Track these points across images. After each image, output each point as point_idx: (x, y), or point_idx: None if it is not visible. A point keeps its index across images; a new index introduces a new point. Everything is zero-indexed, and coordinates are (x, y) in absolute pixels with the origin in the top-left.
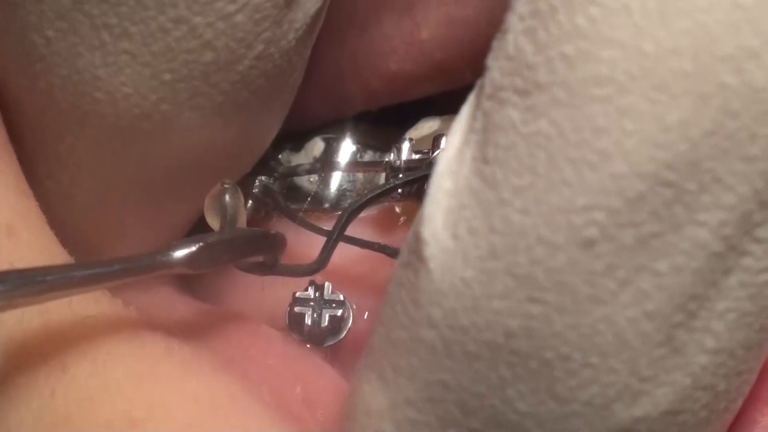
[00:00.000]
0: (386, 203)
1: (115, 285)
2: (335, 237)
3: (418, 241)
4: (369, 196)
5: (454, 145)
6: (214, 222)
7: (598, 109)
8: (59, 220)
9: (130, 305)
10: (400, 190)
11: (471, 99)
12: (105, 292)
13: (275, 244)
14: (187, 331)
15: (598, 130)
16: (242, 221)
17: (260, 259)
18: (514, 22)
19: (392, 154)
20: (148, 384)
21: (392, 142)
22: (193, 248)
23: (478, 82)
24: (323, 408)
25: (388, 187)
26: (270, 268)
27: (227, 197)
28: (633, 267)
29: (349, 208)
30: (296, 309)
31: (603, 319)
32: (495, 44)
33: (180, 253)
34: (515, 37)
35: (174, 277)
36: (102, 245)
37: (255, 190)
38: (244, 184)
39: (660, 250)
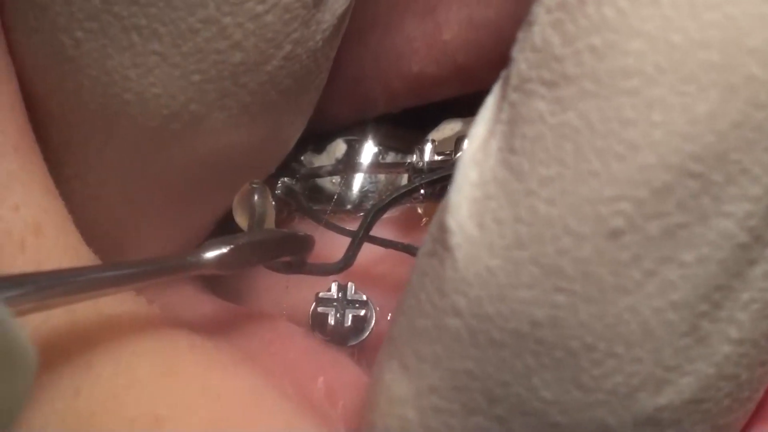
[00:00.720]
0: (408, 204)
1: (145, 286)
2: (361, 236)
3: (443, 231)
4: (394, 195)
5: (480, 136)
6: (242, 221)
7: (626, 101)
8: (85, 219)
9: (153, 303)
10: (422, 191)
11: (496, 90)
12: (129, 291)
13: (304, 245)
14: (209, 328)
15: (626, 121)
16: (270, 221)
17: (287, 259)
18: (540, 13)
19: (414, 156)
20: (171, 381)
21: (414, 143)
22: (224, 250)
23: (503, 74)
24: (345, 401)
25: (412, 186)
26: (297, 267)
27: (256, 197)
28: (659, 257)
29: (374, 207)
30: (319, 309)
31: (628, 309)
32: (521, 36)
33: (210, 255)
34: (542, 29)
35: (197, 276)
36: (127, 245)
37: (277, 192)
38: (267, 185)
39: (686, 240)
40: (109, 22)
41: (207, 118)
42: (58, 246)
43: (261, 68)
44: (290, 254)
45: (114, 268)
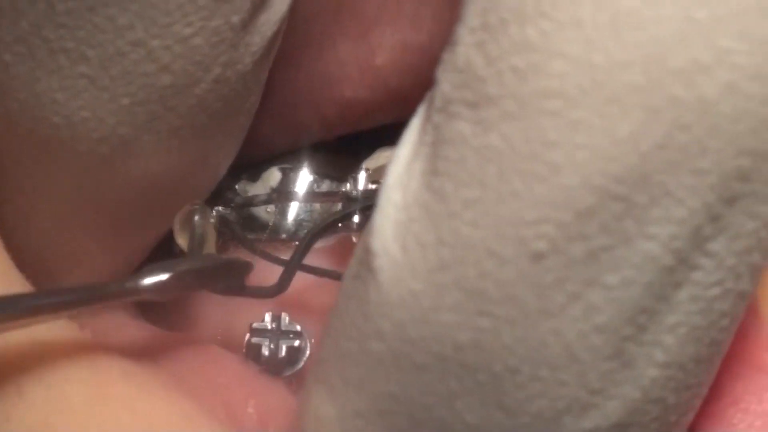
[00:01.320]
0: (343, 233)
1: (82, 313)
2: (296, 260)
3: (367, 253)
4: (329, 220)
5: (404, 158)
6: (183, 242)
7: (549, 123)
8: (17, 244)
9: (85, 329)
10: (357, 220)
11: (421, 112)
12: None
13: (242, 271)
14: (141, 354)
15: (549, 143)
16: (211, 242)
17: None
18: (464, 34)
19: (349, 184)
20: (103, 408)
21: (349, 171)
22: (163, 277)
23: (428, 95)
24: (276, 426)
25: (347, 212)
26: (228, 288)
27: (197, 217)
28: (582, 280)
29: (309, 232)
30: (253, 340)
31: (552, 332)
32: (445, 57)
33: (149, 281)
34: (465, 50)
35: (131, 303)
36: (60, 270)
37: (212, 221)
38: None
39: (610, 263)
40: (37, 45)
41: (136, 142)
42: None
43: (190, 91)
44: (229, 279)
45: (49, 295)
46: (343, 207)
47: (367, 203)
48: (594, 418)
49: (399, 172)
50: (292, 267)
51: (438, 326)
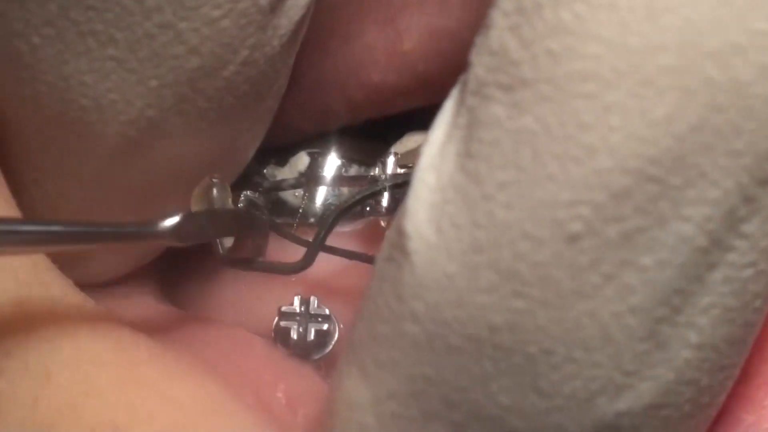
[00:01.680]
0: (372, 218)
1: (99, 248)
2: (321, 237)
3: (401, 236)
4: (357, 197)
5: (437, 141)
6: None
7: (584, 105)
8: None
9: (113, 312)
10: (385, 204)
11: (454, 95)
12: (88, 299)
13: (258, 225)
14: (169, 338)
15: (584, 125)
16: None
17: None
18: (498, 18)
19: (377, 169)
20: (131, 389)
21: (377, 156)
22: (178, 218)
23: (461, 78)
24: (305, 410)
25: (373, 190)
26: (253, 263)
27: (215, 191)
28: (617, 261)
29: (335, 210)
30: (282, 323)
31: (587, 314)
32: (478, 40)
33: (165, 223)
34: (499, 33)
35: (155, 287)
36: (86, 254)
37: (240, 205)
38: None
39: (645, 244)
40: (65, 28)
41: (164, 124)
42: (14, 256)
43: (218, 73)
44: (246, 234)
45: (70, 224)
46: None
47: (395, 182)
48: (627, 399)
49: (432, 154)
50: (317, 244)
51: (473, 308)
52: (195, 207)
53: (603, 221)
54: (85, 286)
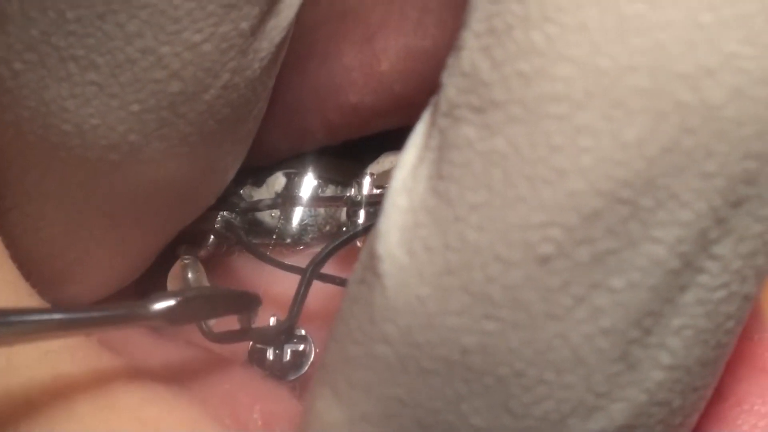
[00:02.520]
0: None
1: (91, 333)
2: (301, 294)
3: (373, 258)
4: (329, 248)
5: (409, 163)
6: None
7: (555, 127)
8: (24, 251)
9: (91, 336)
10: (361, 226)
11: (426, 117)
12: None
13: (251, 303)
14: (145, 361)
15: (555, 147)
16: None
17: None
18: (469, 39)
19: (353, 189)
20: (109, 414)
21: (354, 176)
22: (172, 302)
23: (432, 100)
24: (281, 430)
25: (350, 234)
26: (243, 334)
27: (189, 273)
28: (589, 283)
29: (312, 261)
30: (258, 344)
31: (558, 336)
32: (450, 61)
33: (159, 306)
34: (471, 54)
35: None
36: (67, 277)
37: (217, 225)
38: (206, 219)
39: (616, 266)
40: (46, 53)
41: (146, 148)
42: None
43: (199, 97)
44: (236, 312)
45: (61, 311)
46: (348, 212)
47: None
48: (599, 420)
49: (404, 176)
50: (299, 300)
51: (444, 330)
52: (171, 287)
53: (574, 243)
54: None
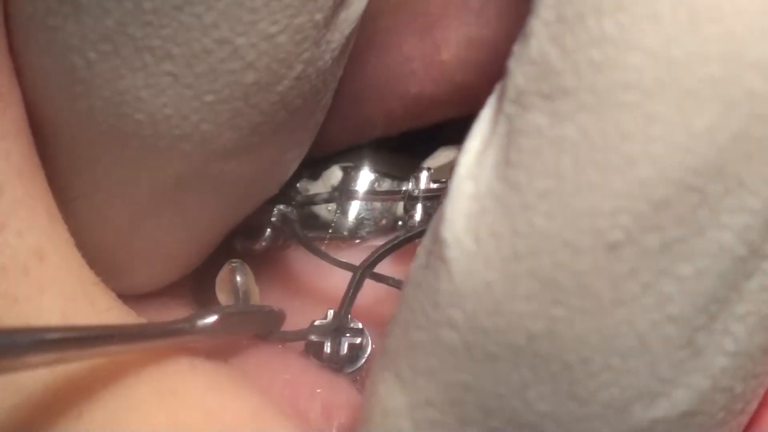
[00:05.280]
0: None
1: (135, 350)
2: (350, 295)
3: (438, 243)
4: (382, 251)
5: (475, 149)
6: (226, 300)
7: (626, 115)
8: (90, 240)
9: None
10: (418, 219)
11: (491, 103)
12: (131, 312)
13: (277, 319)
14: (207, 350)
15: (625, 135)
16: (255, 297)
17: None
18: (538, 27)
19: (410, 183)
20: (172, 402)
21: (410, 170)
22: (213, 318)
23: (498, 87)
24: (341, 420)
25: (404, 237)
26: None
27: (238, 277)
28: (656, 270)
29: (362, 264)
30: (315, 337)
31: (625, 322)
32: (517, 49)
33: (201, 322)
34: (540, 42)
35: (191, 299)
36: (132, 265)
37: (273, 219)
38: (263, 212)
39: (684, 253)
40: (122, 43)
41: (218, 139)
42: (60, 270)
43: (273, 88)
44: (265, 329)
45: (106, 330)
46: (405, 206)
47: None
48: (663, 406)
49: (470, 163)
50: (347, 303)
51: (511, 316)
52: (220, 294)
53: (643, 230)
54: (125, 296)
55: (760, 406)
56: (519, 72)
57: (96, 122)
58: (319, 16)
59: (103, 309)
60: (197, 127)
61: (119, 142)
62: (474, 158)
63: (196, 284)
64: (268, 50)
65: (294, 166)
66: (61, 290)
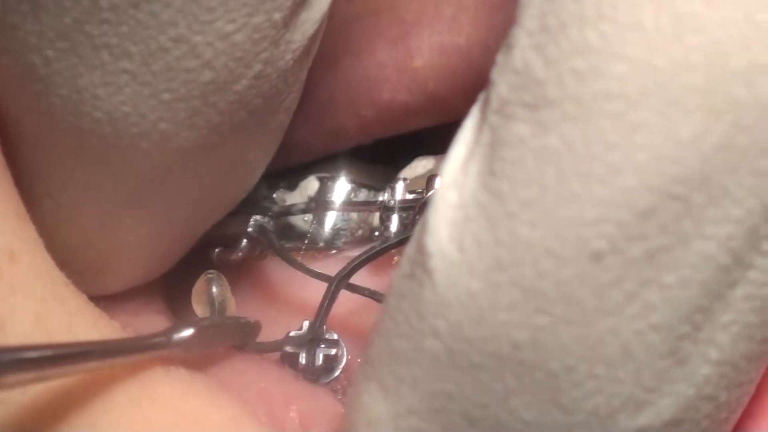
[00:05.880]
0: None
1: (111, 365)
2: (326, 306)
3: (422, 253)
4: (356, 262)
5: (458, 159)
6: (202, 311)
7: (609, 124)
8: (58, 241)
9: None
10: (393, 230)
11: (475, 113)
12: (103, 315)
13: (253, 330)
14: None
15: (609, 144)
16: (232, 307)
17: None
18: (521, 36)
19: (386, 194)
20: (148, 407)
21: (387, 181)
22: (189, 332)
23: (481, 96)
24: (318, 429)
25: (380, 248)
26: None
27: (214, 288)
28: (640, 279)
29: (338, 275)
30: (290, 348)
31: (609, 331)
32: (500, 59)
33: (177, 336)
34: (523, 52)
35: (163, 306)
36: (99, 266)
37: (249, 229)
38: (240, 222)
39: (668, 262)
40: (79, 41)
41: (176, 137)
42: (31, 271)
43: (230, 87)
44: (240, 340)
45: (84, 346)
46: (381, 216)
47: (403, 236)
48: (648, 415)
49: (454, 172)
50: (322, 315)
51: (495, 325)
52: (196, 305)
53: (627, 239)
54: (96, 299)
55: (745, 412)
56: (502, 82)
57: (56, 121)
58: (277, 16)
59: (75, 311)
60: (155, 126)
61: (80, 141)
62: (458, 167)
63: (172, 294)
64: (225, 49)
65: (259, 171)
66: (32, 291)
